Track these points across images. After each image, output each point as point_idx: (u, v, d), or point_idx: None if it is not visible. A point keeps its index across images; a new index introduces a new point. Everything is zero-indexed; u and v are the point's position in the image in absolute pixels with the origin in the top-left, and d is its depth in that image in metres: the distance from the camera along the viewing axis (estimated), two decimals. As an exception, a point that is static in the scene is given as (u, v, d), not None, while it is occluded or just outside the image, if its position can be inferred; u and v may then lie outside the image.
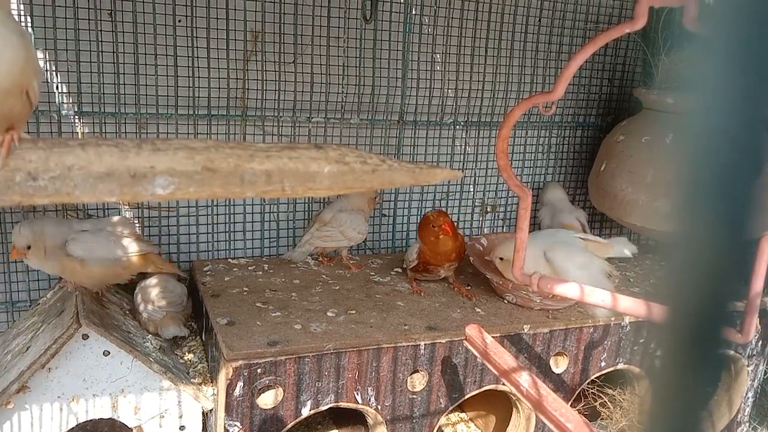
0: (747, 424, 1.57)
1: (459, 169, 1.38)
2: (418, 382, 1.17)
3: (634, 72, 1.81)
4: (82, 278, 1.16)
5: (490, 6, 1.58)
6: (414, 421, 1.19)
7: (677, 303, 0.20)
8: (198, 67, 1.37)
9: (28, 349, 1.05)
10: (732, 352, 1.46)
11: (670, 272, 0.20)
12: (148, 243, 1.25)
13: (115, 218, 1.25)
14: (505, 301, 1.33)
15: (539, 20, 1.65)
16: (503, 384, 1.18)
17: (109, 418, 1.07)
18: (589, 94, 1.78)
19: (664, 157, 1.43)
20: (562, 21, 1.67)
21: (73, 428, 1.04)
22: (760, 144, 0.19)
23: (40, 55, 1.26)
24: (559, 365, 1.29)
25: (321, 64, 1.46)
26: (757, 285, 1.02)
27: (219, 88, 1.40)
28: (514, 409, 1.32)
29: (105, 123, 1.34)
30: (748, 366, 1.48)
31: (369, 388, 1.13)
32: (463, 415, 1.54)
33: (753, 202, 0.19)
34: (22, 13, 1.23)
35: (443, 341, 1.17)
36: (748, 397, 1.53)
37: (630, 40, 1.76)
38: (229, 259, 1.46)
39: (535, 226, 1.73)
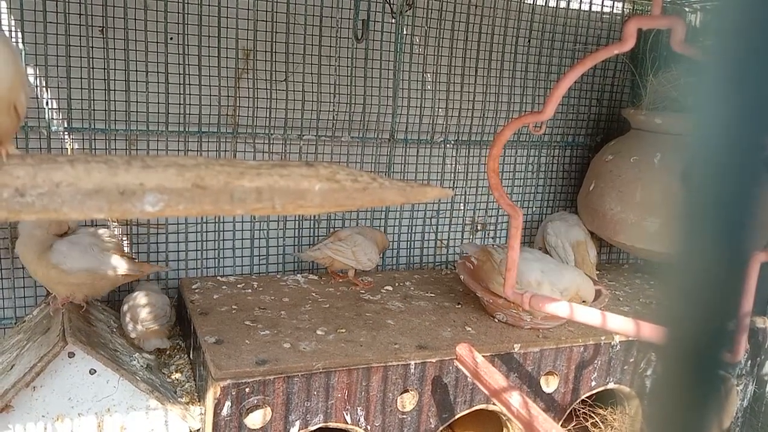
0: (737, 445, 1.57)
1: (449, 187, 1.38)
2: (408, 401, 1.16)
3: (623, 92, 1.83)
4: (61, 286, 1.15)
5: (480, 27, 1.60)
6: (404, 441, 1.18)
7: (677, 325, 0.20)
8: (189, 84, 1.37)
9: (12, 367, 1.04)
10: (723, 372, 1.46)
11: (670, 294, 0.20)
12: (132, 263, 1.24)
13: (101, 230, 1.24)
14: (496, 320, 1.32)
15: (529, 41, 1.67)
16: (494, 404, 1.17)
17: (94, 438, 1.05)
18: (578, 114, 1.79)
19: (653, 177, 1.44)
20: (552, 42, 1.69)
21: (56, 449, 1.02)
22: (759, 165, 0.19)
23: (30, 70, 1.26)
24: (550, 384, 1.29)
25: (312, 83, 1.47)
26: (746, 304, 1.03)
27: (210, 105, 1.40)
28: (504, 430, 1.31)
29: (95, 139, 1.33)
30: (737, 386, 1.48)
31: (358, 408, 1.12)
32: (453, 435, 1.53)
33: (753, 223, 0.19)
34: (13, 28, 1.23)
35: (434, 360, 1.16)
36: (738, 417, 1.53)
37: (618, 61, 1.78)
38: (218, 277, 1.45)
39: (528, 244, 1.73)
